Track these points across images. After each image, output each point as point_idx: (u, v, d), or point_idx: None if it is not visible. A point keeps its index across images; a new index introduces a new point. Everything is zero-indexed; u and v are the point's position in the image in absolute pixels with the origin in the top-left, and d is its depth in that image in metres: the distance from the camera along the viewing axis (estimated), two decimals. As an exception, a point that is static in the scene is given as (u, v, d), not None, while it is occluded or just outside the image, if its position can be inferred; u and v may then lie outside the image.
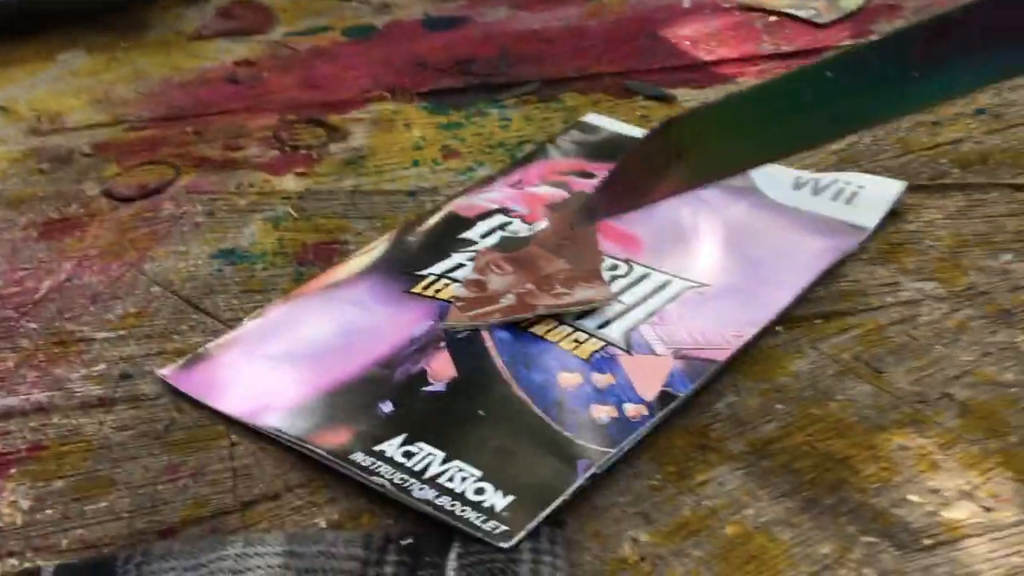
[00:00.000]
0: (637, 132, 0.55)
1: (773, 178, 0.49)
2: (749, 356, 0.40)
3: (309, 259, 0.48)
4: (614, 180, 0.39)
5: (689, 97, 0.59)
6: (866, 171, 0.51)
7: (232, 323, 0.44)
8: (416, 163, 0.55)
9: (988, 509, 0.33)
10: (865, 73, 0.35)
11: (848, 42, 0.64)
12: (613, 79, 0.62)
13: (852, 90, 0.35)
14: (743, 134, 0.38)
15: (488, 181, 0.52)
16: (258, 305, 0.45)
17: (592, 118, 0.57)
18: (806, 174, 0.50)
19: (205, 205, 0.53)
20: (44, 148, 0.59)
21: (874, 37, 0.59)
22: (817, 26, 0.65)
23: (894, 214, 0.48)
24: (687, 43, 0.66)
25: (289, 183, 0.54)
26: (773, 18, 0.67)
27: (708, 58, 0.63)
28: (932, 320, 0.41)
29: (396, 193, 0.53)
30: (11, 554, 0.35)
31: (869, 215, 0.47)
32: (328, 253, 0.48)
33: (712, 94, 0.59)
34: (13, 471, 0.38)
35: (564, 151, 0.54)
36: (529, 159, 0.54)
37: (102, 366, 0.42)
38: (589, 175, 0.52)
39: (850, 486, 0.35)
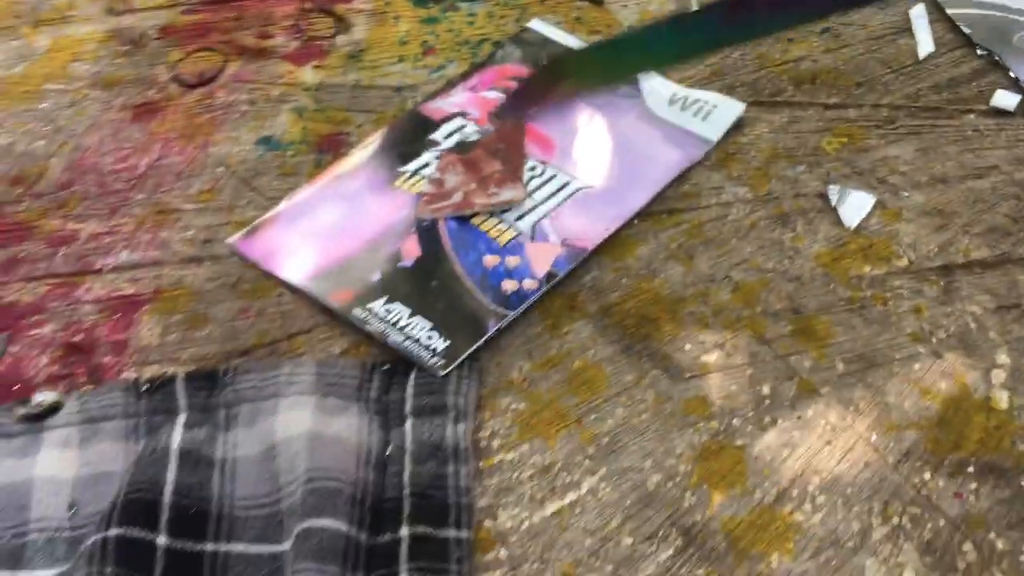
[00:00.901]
0: (569, 40, 0.73)
1: (655, 92, 0.68)
2: (611, 243, 0.62)
3: (324, 148, 0.68)
4: (518, 92, 0.62)
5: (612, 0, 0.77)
6: (729, 84, 0.69)
7: (274, 201, 0.65)
8: (401, 59, 0.74)
9: (728, 356, 0.56)
10: (689, 27, 0.58)
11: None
12: (560, -24, 0.79)
13: (679, 39, 0.59)
14: (601, 69, 0.61)
15: (452, 85, 0.71)
16: (291, 187, 0.66)
17: (535, 24, 0.75)
18: (681, 90, 0.69)
19: (248, 95, 0.72)
20: (121, 29, 0.78)
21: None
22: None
23: (738, 126, 0.67)
24: (623, -61, 0.81)
25: (308, 75, 0.73)
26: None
27: (636, -42, 0.79)
28: (736, 219, 0.62)
29: (385, 88, 0.72)
30: (153, 363, 0.58)
31: (716, 130, 0.66)
32: (337, 144, 0.68)
33: (633, -3, 0.77)
34: (146, 308, 0.61)
35: (511, 57, 0.73)
36: (483, 64, 0.72)
37: (191, 232, 0.64)
38: (527, 80, 0.71)
39: (652, 338, 0.57)
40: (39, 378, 0.56)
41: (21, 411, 0.53)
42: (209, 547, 0.48)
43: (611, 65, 0.61)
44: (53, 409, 0.53)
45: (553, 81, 0.61)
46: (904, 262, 0.59)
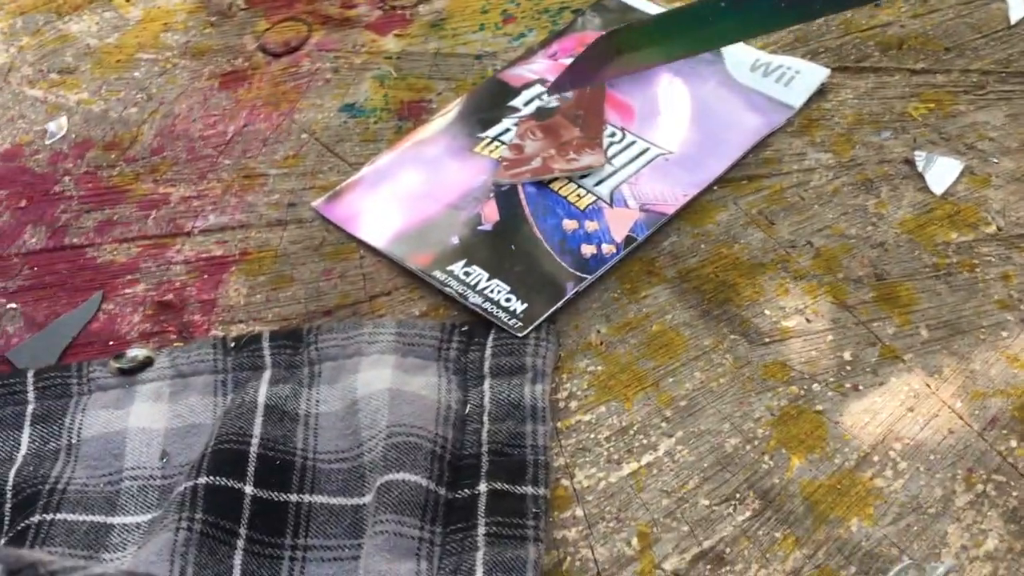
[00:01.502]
0: (647, 7, 0.73)
1: (737, 59, 0.68)
2: (690, 208, 0.61)
3: (405, 115, 0.69)
4: (576, 65, 0.61)
5: (697, -34, 0.76)
6: (813, 50, 0.69)
7: (356, 166, 0.66)
8: (482, 27, 0.74)
9: (809, 321, 0.56)
10: (749, 3, 0.57)
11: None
12: (641, -57, 0.79)
13: (737, 14, 0.57)
14: (659, 43, 0.59)
15: (532, 52, 0.71)
16: (372, 153, 0.67)
17: (614, -9, 0.75)
18: (763, 56, 0.68)
19: (331, 63, 0.73)
20: (210, 0, 0.80)
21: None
22: None
23: (821, 92, 0.66)
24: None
25: (390, 44, 0.74)
26: None
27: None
28: (818, 185, 0.62)
29: (466, 56, 0.72)
30: (240, 322, 0.60)
31: (799, 96, 0.65)
32: (418, 111, 0.69)
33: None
34: (233, 268, 0.62)
35: (592, 24, 0.73)
36: (563, 32, 0.72)
37: (276, 196, 0.66)
38: (607, 47, 0.70)
39: (731, 303, 0.57)
40: (132, 334, 0.58)
41: (116, 365, 0.55)
42: (293, 498, 0.49)
43: (667, 40, 0.60)
44: (145, 364, 0.55)
45: (608, 56, 0.61)
46: (992, 228, 0.58)
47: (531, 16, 0.74)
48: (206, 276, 0.61)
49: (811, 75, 0.66)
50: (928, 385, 0.52)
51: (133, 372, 0.55)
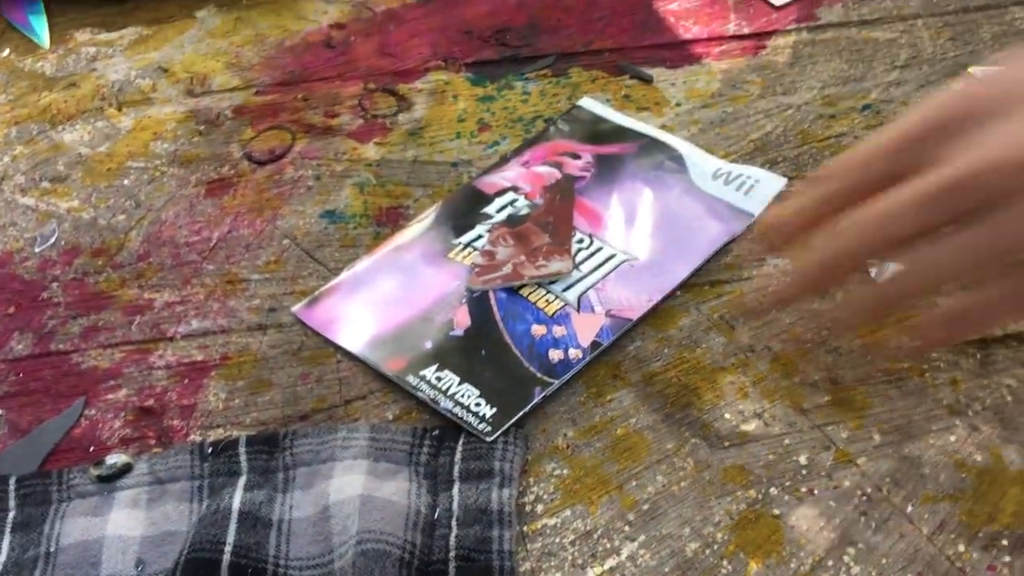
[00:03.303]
0: (617, 117, 0.76)
1: (700, 168, 0.71)
2: (654, 313, 0.64)
3: (384, 221, 0.72)
4: None
5: (663, 77, 0.79)
6: (771, 159, 0.72)
7: (335, 271, 0.69)
8: (458, 135, 0.77)
9: (767, 425, 0.58)
10: None
11: (793, 25, 0.82)
12: (611, 55, 0.82)
13: None
14: None
15: (505, 160, 0.74)
16: (351, 258, 0.69)
17: (585, 102, 0.78)
18: (725, 165, 0.71)
19: (314, 170, 0.76)
20: (198, 110, 0.83)
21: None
22: (773, 7, 0.83)
23: (781, 200, 0.69)
24: (672, 19, 0.84)
25: (370, 151, 0.77)
26: (743, -5, 0.85)
27: (685, 36, 0.82)
28: (776, 290, 0.64)
29: (443, 164, 0.75)
30: (219, 426, 0.62)
31: (758, 204, 0.68)
32: (396, 216, 0.72)
33: (682, 75, 0.79)
34: (213, 373, 0.64)
35: (562, 133, 0.76)
36: (536, 140, 0.76)
37: (257, 301, 0.68)
38: (577, 156, 0.74)
39: (693, 407, 0.59)
40: (113, 440, 0.60)
41: (95, 472, 0.57)
42: (265, 604, 0.51)
43: None
44: (124, 470, 0.57)
45: None
46: (942, 334, 0.60)
47: (505, 125, 0.78)
48: (187, 381, 0.63)
49: (770, 184, 0.69)
50: (880, 489, 0.53)
51: (112, 479, 0.57)
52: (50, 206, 0.75)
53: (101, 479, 0.56)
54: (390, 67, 0.84)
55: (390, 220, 0.72)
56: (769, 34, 0.82)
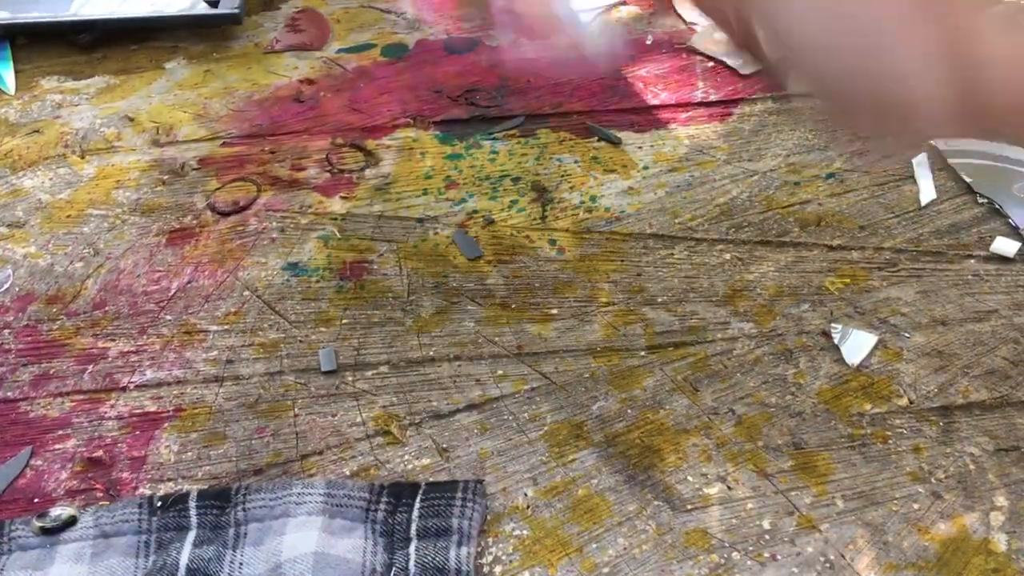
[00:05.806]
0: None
1: (667, 231, 0.71)
2: (621, 373, 0.63)
3: (347, 275, 0.71)
4: None
5: (631, 140, 0.80)
6: (737, 224, 0.72)
7: (296, 325, 0.68)
8: (425, 192, 0.77)
9: (730, 488, 0.57)
10: None
11: (759, 94, 0.83)
12: (579, 117, 0.83)
13: None
14: None
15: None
16: (313, 312, 0.68)
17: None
18: (690, 228, 0.71)
19: (278, 222, 0.76)
20: (163, 160, 0.82)
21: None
22: (741, 76, 0.84)
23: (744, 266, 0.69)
24: (640, 84, 0.85)
25: (336, 205, 0.77)
26: (710, 64, 0.86)
27: (653, 101, 0.83)
28: (740, 353, 0.64)
29: (408, 219, 0.75)
30: (168, 480, 0.60)
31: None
32: (360, 271, 0.71)
33: (649, 139, 0.80)
34: (167, 424, 0.63)
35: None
36: (503, 199, 0.76)
37: (215, 352, 0.67)
38: (543, 215, 0.74)
39: (656, 468, 0.58)
40: (59, 491, 0.58)
41: (38, 524, 0.55)
42: (210, 665, 0.49)
43: None
44: (69, 523, 0.55)
45: None
46: (904, 401, 0.60)
47: (472, 183, 0.78)
48: (138, 432, 0.61)
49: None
50: (843, 556, 0.53)
51: (56, 531, 0.54)
52: (6, 251, 0.74)
53: (44, 531, 0.54)
54: (359, 123, 0.84)
55: (354, 274, 0.71)
56: (736, 102, 0.83)
